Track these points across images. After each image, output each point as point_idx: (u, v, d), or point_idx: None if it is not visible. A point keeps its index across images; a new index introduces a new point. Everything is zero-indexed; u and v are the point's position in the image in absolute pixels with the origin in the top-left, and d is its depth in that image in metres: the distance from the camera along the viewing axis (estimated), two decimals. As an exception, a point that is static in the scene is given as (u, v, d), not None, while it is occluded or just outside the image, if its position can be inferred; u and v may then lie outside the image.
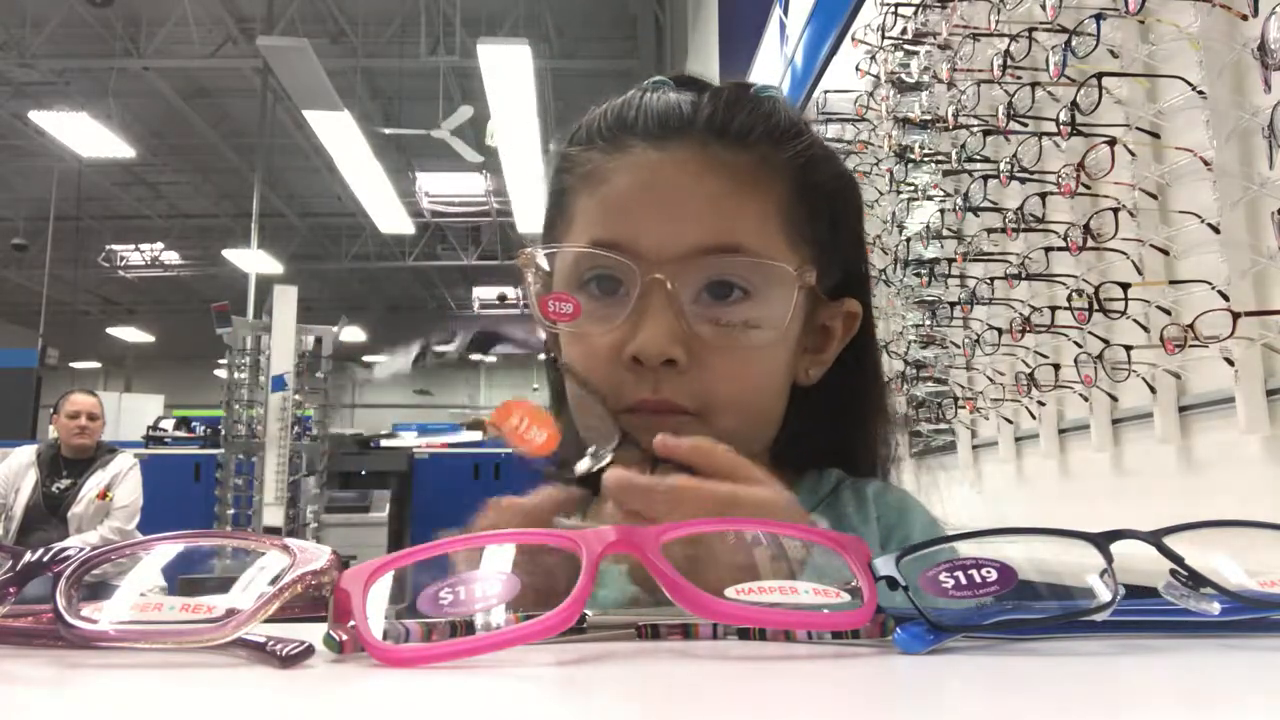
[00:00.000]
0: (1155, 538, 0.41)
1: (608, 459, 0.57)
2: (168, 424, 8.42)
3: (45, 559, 0.39)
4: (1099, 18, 1.39)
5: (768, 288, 0.65)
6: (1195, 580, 0.40)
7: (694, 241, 0.64)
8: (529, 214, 10.19)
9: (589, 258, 0.66)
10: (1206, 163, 1.29)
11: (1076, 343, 1.61)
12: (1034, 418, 1.87)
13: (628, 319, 0.64)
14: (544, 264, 0.69)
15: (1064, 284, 1.63)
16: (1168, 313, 1.39)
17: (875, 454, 0.77)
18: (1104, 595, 0.39)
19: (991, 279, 1.84)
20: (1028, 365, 1.77)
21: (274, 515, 5.83)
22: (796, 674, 0.36)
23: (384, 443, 8.11)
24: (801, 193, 0.69)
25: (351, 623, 0.36)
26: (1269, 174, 1.20)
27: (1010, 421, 2.00)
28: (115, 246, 14.17)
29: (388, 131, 9.78)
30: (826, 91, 2.95)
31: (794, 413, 0.71)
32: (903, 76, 2.26)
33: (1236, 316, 1.22)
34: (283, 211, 12.81)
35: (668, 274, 0.63)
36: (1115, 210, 1.42)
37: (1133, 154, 1.43)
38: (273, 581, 0.38)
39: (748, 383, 0.66)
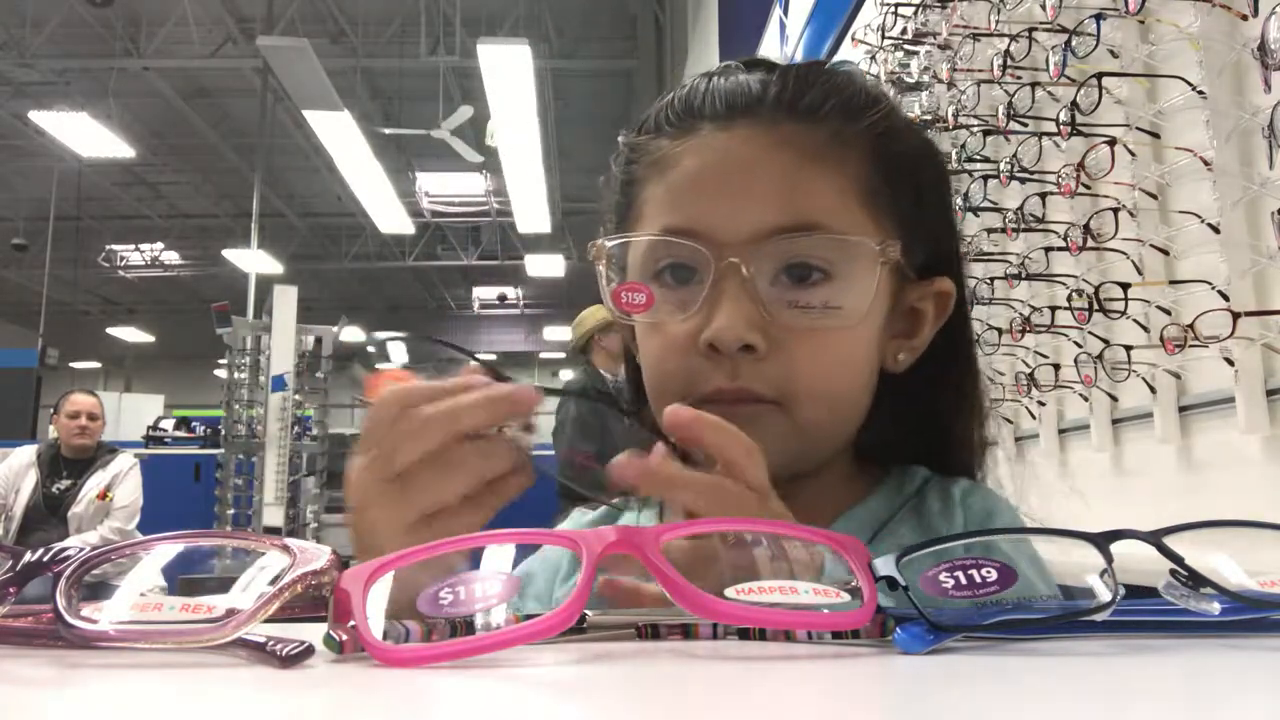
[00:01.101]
0: (1155, 538, 0.41)
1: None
2: (168, 424, 8.43)
3: (45, 559, 0.39)
4: (1099, 18, 1.39)
5: (849, 267, 0.62)
6: (1195, 580, 0.40)
7: (768, 222, 0.61)
8: (529, 214, 10.20)
9: (661, 246, 0.64)
10: (1206, 163, 1.29)
11: (1076, 343, 1.61)
12: (1034, 418, 1.87)
13: (703, 306, 0.61)
14: (614, 255, 0.67)
15: (1064, 284, 1.63)
16: (1168, 313, 1.39)
17: (967, 449, 0.73)
18: (1104, 595, 0.39)
19: (991, 279, 1.84)
20: (1028, 365, 1.77)
21: (274, 515, 5.83)
22: (796, 674, 0.36)
23: (384, 443, 8.09)
24: (881, 166, 0.65)
25: (351, 623, 0.36)
26: (1269, 174, 1.21)
27: (1010, 421, 2.00)
28: (115, 246, 14.18)
29: (388, 131, 9.78)
30: (826, 91, 2.95)
31: (882, 403, 0.68)
32: (903, 76, 2.26)
33: (1236, 316, 1.22)
34: (283, 211, 12.82)
35: (742, 257, 0.60)
36: (1115, 210, 1.42)
37: (1133, 154, 1.43)
38: (273, 581, 0.38)
39: (830, 369, 0.63)
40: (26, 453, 4.37)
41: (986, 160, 1.82)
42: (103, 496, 4.24)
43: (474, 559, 0.39)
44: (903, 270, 0.65)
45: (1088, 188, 1.49)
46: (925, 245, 0.67)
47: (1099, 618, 0.39)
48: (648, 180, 0.67)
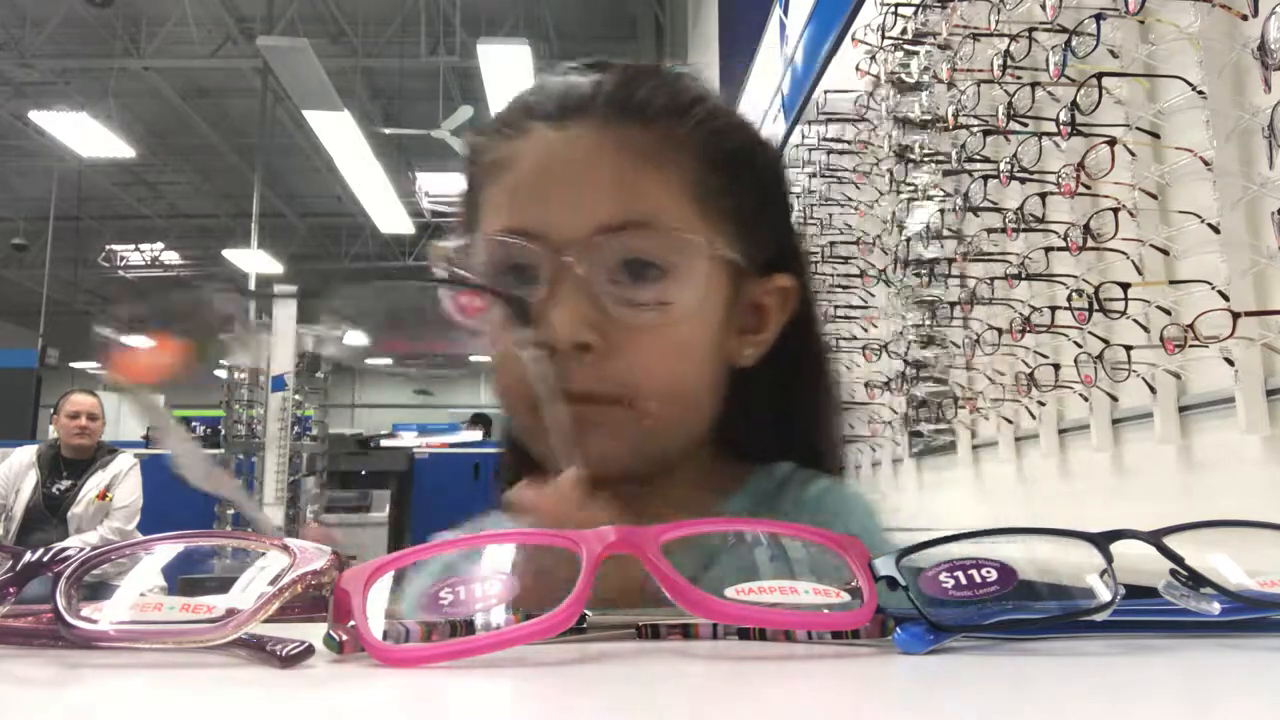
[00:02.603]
0: (1155, 538, 0.41)
1: None
2: (168, 424, 8.41)
3: (45, 559, 0.39)
4: (1099, 18, 1.38)
5: (681, 263, 0.62)
6: (1195, 580, 0.40)
7: (599, 220, 0.61)
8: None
9: (499, 248, 0.64)
10: (1206, 163, 1.28)
11: (1076, 343, 1.61)
12: (1034, 418, 1.87)
13: (540, 307, 0.61)
14: (457, 260, 0.67)
15: (1064, 284, 1.63)
16: (1168, 313, 1.39)
17: (824, 445, 0.74)
18: (1104, 595, 0.39)
19: (991, 279, 1.83)
20: (1028, 365, 1.77)
21: (274, 515, 5.83)
22: (796, 674, 0.36)
23: (384, 443, 8.11)
24: (714, 165, 0.66)
25: (351, 623, 0.36)
26: (1269, 174, 1.20)
27: (1010, 421, 2.00)
28: (115, 246, 14.17)
29: (388, 131, 9.78)
30: (826, 91, 2.95)
31: (737, 399, 0.69)
32: (903, 76, 2.26)
33: (1236, 316, 1.22)
34: (283, 211, 12.81)
35: (576, 255, 0.61)
36: (1115, 210, 1.42)
37: (1133, 154, 1.43)
38: (273, 581, 0.38)
39: (668, 364, 0.63)
40: (26, 453, 4.36)
41: (986, 160, 1.82)
42: (102, 497, 4.24)
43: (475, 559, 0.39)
44: (741, 267, 0.66)
45: (1088, 188, 1.49)
46: (764, 242, 0.68)
47: (1099, 618, 0.39)
48: (486, 183, 0.68)
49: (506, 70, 6.78)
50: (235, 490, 0.62)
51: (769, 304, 0.69)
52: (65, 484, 4.25)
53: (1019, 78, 1.62)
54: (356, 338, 0.70)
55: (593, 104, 0.65)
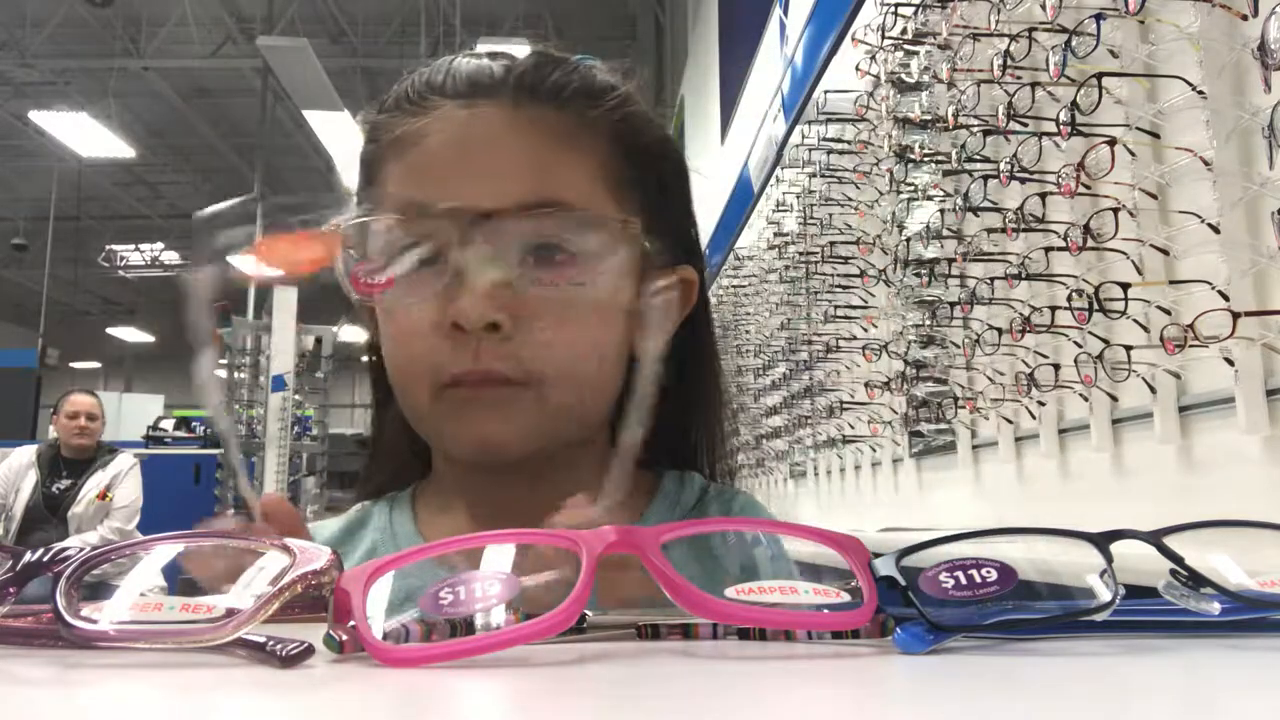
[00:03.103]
0: (1155, 538, 0.41)
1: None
2: (168, 424, 8.43)
3: (45, 559, 0.39)
4: (1099, 18, 1.39)
5: (594, 245, 0.61)
6: (1195, 580, 0.40)
7: (513, 198, 0.59)
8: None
9: (402, 224, 0.61)
10: (1206, 163, 1.29)
11: (1076, 343, 1.61)
12: (1034, 418, 1.87)
13: (448, 285, 0.59)
14: (353, 238, 0.64)
15: (1064, 284, 1.63)
16: (1168, 313, 1.39)
17: (710, 445, 0.73)
18: (1104, 595, 0.39)
19: (991, 279, 1.84)
20: (1028, 365, 1.77)
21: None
22: (796, 674, 0.36)
23: (384, 443, 8.10)
24: (624, 153, 0.65)
25: (351, 623, 0.36)
26: (1269, 174, 1.21)
27: (1010, 421, 2.00)
28: (115, 246, 14.18)
29: (388, 131, 9.76)
30: (826, 91, 2.95)
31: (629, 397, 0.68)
32: (903, 76, 2.26)
33: (1236, 316, 1.22)
34: (283, 211, 12.81)
35: (486, 234, 0.58)
36: (1115, 210, 1.42)
37: (1133, 154, 1.43)
38: (273, 581, 0.38)
39: (577, 347, 0.62)
40: (26, 453, 4.37)
41: (986, 160, 1.82)
42: (102, 496, 4.24)
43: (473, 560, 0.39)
44: (649, 255, 0.64)
45: (1088, 188, 1.49)
46: (667, 234, 0.67)
47: (1099, 618, 0.39)
48: (387, 159, 0.65)
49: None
50: (229, 431, 0.60)
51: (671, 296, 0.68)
52: (65, 484, 4.25)
53: (1019, 78, 1.62)
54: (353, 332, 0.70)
55: (504, 85, 0.63)
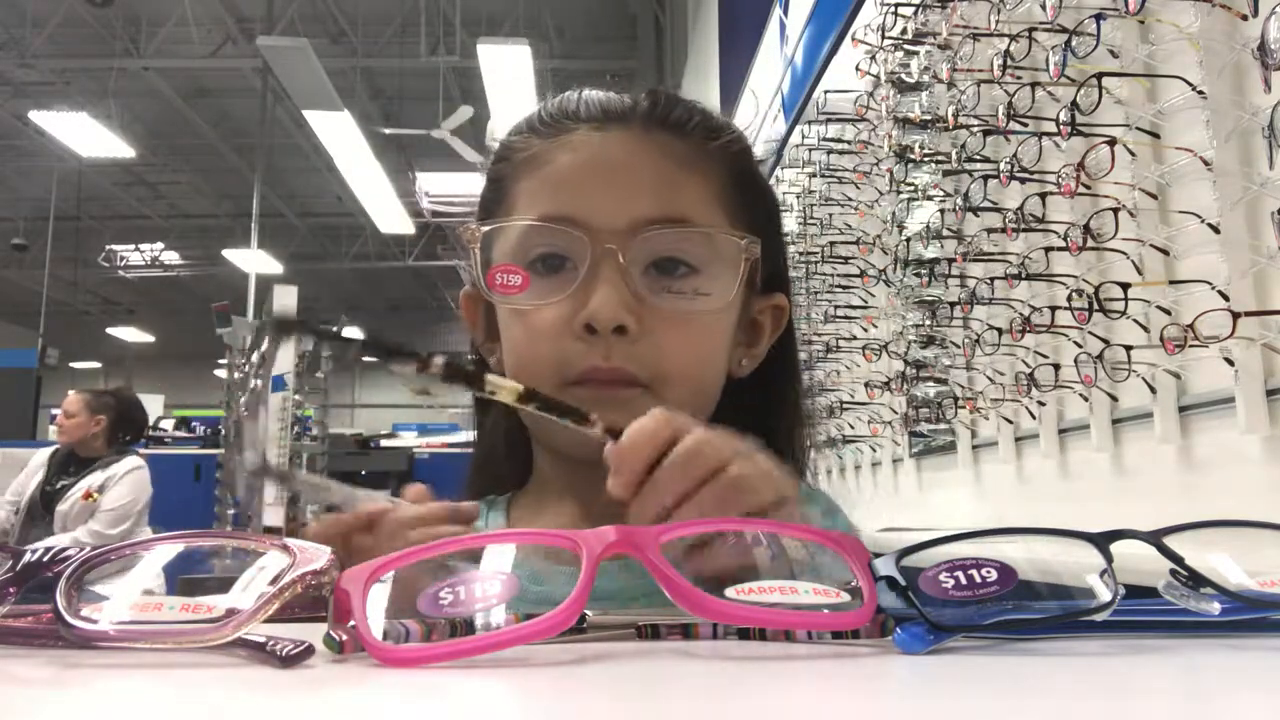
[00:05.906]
0: (1155, 538, 0.41)
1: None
2: (168, 424, 8.43)
3: (45, 559, 0.39)
4: (1099, 18, 1.38)
5: (715, 261, 0.68)
6: (1195, 580, 0.40)
7: (642, 213, 0.66)
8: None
9: (536, 233, 0.68)
10: (1206, 163, 1.28)
11: (1076, 343, 1.61)
12: (1034, 418, 1.87)
13: (578, 289, 0.65)
14: (484, 245, 0.70)
15: (1064, 284, 1.63)
16: (1168, 313, 1.39)
17: (796, 456, 0.78)
18: (1104, 595, 0.39)
19: (991, 279, 1.83)
20: (1028, 365, 1.77)
21: (274, 515, 5.83)
22: (796, 674, 0.36)
23: (384, 443, 8.12)
24: (737, 184, 0.72)
25: (351, 623, 0.36)
26: (1269, 174, 1.20)
27: (1010, 421, 2.00)
28: (115, 246, 14.17)
29: (388, 131, 9.77)
30: (826, 91, 2.95)
31: (723, 407, 0.72)
32: (903, 76, 2.26)
33: (1236, 316, 1.22)
34: (283, 211, 12.81)
35: (618, 244, 0.65)
36: (1115, 210, 1.42)
37: (1133, 154, 1.43)
38: (273, 581, 0.38)
39: (696, 353, 0.68)
40: (44, 453, 4.38)
41: (986, 160, 1.82)
42: (88, 497, 4.18)
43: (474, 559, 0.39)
44: (754, 278, 0.71)
45: (1088, 188, 1.49)
46: (767, 262, 0.73)
47: (1099, 618, 0.39)
48: (519, 176, 0.72)
49: (506, 70, 6.78)
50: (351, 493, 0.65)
51: (764, 321, 0.75)
52: (62, 481, 4.24)
53: (1019, 78, 1.62)
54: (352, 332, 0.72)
55: (635, 113, 0.71)
